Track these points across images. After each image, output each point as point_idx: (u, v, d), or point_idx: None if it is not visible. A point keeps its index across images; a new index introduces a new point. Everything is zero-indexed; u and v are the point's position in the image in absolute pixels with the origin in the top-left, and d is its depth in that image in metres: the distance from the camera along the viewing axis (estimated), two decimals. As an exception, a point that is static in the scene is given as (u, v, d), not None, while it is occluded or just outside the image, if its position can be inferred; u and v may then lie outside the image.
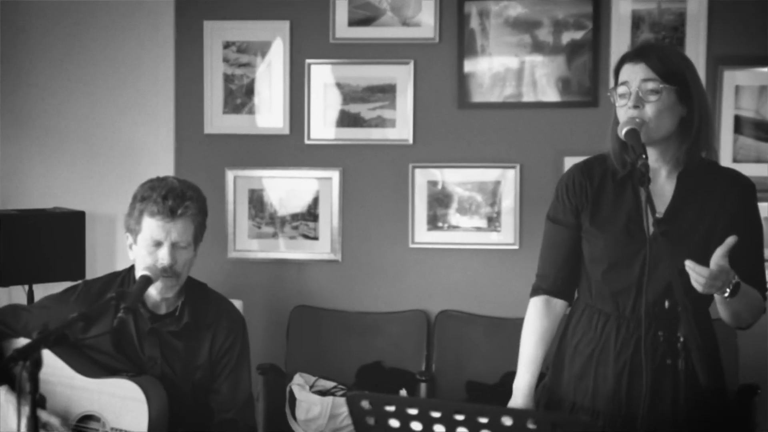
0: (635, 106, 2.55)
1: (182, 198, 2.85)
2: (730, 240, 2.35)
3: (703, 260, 2.34)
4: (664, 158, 2.63)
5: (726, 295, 2.39)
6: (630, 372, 2.60)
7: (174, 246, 2.84)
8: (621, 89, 2.60)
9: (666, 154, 2.63)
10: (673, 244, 2.46)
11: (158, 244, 2.84)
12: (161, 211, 2.82)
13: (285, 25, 5.00)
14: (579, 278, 2.78)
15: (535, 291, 2.84)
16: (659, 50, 2.64)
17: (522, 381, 2.76)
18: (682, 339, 2.13)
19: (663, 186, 2.64)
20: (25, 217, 4.71)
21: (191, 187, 2.92)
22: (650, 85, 2.56)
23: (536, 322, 2.80)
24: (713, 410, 2.60)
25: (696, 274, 2.31)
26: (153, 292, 2.87)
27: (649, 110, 2.55)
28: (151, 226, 2.83)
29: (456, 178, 4.97)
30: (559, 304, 2.81)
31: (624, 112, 2.58)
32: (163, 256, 2.83)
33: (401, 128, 4.97)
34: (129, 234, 2.91)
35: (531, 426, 1.90)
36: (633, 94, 2.56)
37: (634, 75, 2.58)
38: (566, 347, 2.78)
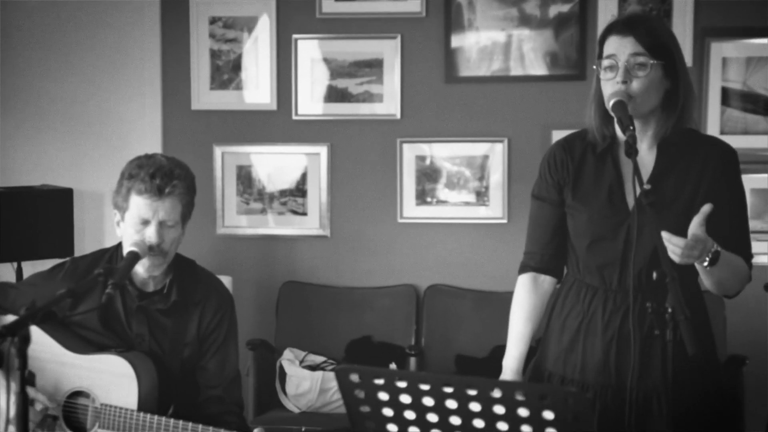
0: (623, 81, 2.54)
1: (170, 177, 2.84)
2: (706, 208, 2.36)
3: (687, 228, 2.35)
4: (645, 131, 2.62)
5: (705, 264, 2.40)
6: (618, 343, 2.60)
7: (161, 224, 2.83)
8: (607, 62, 2.58)
9: (648, 128, 2.62)
10: (656, 213, 2.47)
11: (145, 223, 2.82)
12: (149, 190, 2.80)
13: (271, 0, 4.98)
14: (566, 254, 2.79)
15: (523, 268, 2.83)
16: (647, 23, 2.61)
17: (511, 358, 2.77)
18: (669, 310, 2.13)
19: (644, 157, 2.63)
20: (13, 195, 4.69)
21: (179, 165, 2.91)
22: (639, 60, 2.54)
23: (524, 300, 2.80)
24: (704, 380, 2.61)
25: (672, 246, 2.31)
26: (140, 269, 2.86)
27: (637, 85, 2.53)
28: (139, 204, 2.82)
29: (444, 153, 4.96)
30: (547, 281, 2.81)
31: (611, 85, 2.56)
32: (151, 234, 2.82)
33: (389, 103, 4.97)
34: (117, 211, 2.90)
35: (520, 398, 1.90)
36: (621, 69, 2.54)
37: (622, 48, 2.55)
38: (554, 322, 2.78)
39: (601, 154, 2.68)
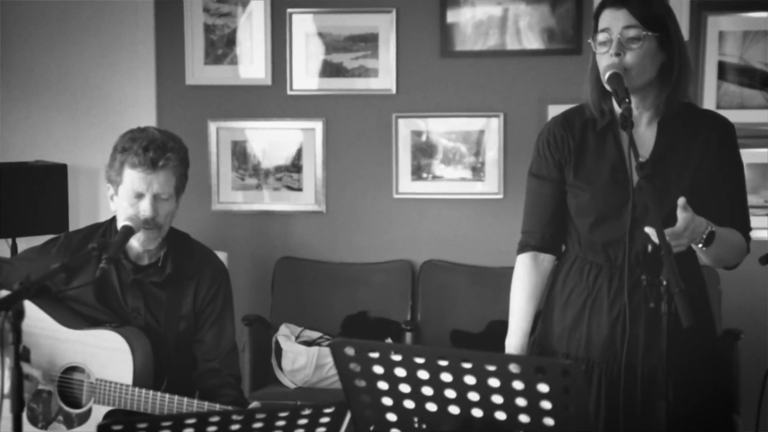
0: (617, 54, 2.53)
1: (163, 149, 2.83)
2: (681, 201, 2.35)
3: (692, 204, 2.35)
4: (644, 105, 2.62)
5: (700, 246, 2.41)
6: (625, 320, 2.60)
7: (155, 198, 2.82)
8: (602, 36, 2.57)
9: (646, 101, 2.61)
10: (661, 191, 2.47)
11: (140, 196, 2.82)
12: (142, 163, 2.79)
13: (266, -26, 4.95)
14: (565, 232, 2.78)
15: (523, 248, 2.81)
16: None
17: (515, 338, 2.76)
18: (664, 282, 2.13)
19: (644, 133, 2.63)
20: (7, 170, 4.68)
21: (172, 138, 2.90)
22: (632, 33, 2.53)
23: (525, 279, 2.78)
24: (701, 353, 2.62)
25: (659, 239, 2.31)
26: (135, 243, 2.86)
27: (631, 57, 2.53)
28: (132, 177, 2.81)
29: (440, 128, 4.95)
30: (547, 259, 2.80)
31: (606, 59, 2.55)
32: (145, 207, 2.81)
33: (384, 78, 4.95)
34: (110, 185, 2.89)
35: (514, 370, 1.90)
36: (614, 42, 2.54)
37: (616, 22, 2.55)
38: (556, 299, 2.77)
39: (601, 131, 2.67)
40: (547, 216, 2.77)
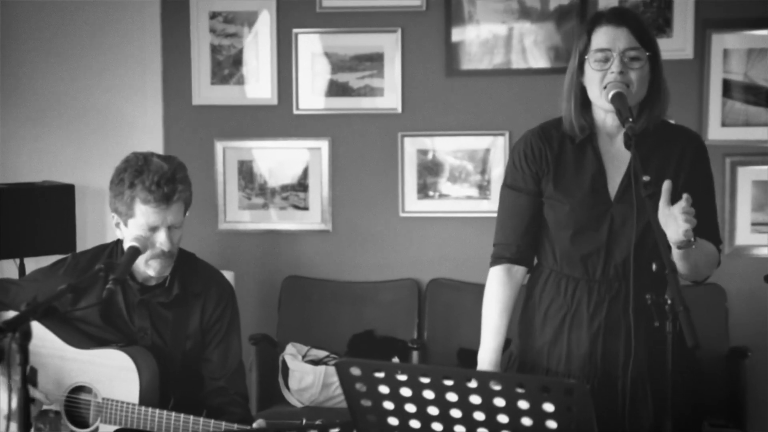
0: (621, 72, 2.56)
1: (174, 182, 2.83)
2: (668, 185, 2.39)
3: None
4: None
5: (693, 241, 2.40)
6: (605, 334, 2.63)
7: (170, 228, 2.84)
8: (600, 54, 2.59)
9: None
10: (636, 205, 2.52)
11: (154, 229, 2.83)
12: (157, 199, 2.79)
13: (272, -5, 4.98)
14: (538, 244, 2.78)
15: (497, 260, 2.82)
16: (636, 15, 2.67)
17: (489, 351, 2.75)
18: (669, 301, 2.14)
19: (619, 148, 2.65)
20: (15, 191, 4.70)
21: (179, 167, 2.88)
22: (634, 53, 2.58)
23: (500, 292, 2.78)
24: (680, 366, 2.63)
25: (685, 213, 2.32)
26: (149, 272, 2.87)
27: (633, 76, 2.57)
28: (146, 212, 2.81)
29: (446, 147, 4.96)
30: (520, 272, 2.80)
31: (607, 77, 2.57)
32: (162, 241, 2.82)
33: (390, 97, 4.96)
34: (116, 215, 2.89)
35: (520, 390, 1.91)
36: (617, 60, 2.57)
37: (617, 41, 2.58)
38: (533, 314, 2.77)
39: (580, 144, 2.69)
40: (522, 228, 2.77)
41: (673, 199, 2.45)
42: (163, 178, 2.81)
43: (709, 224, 2.66)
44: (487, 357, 2.74)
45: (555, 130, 2.75)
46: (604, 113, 2.66)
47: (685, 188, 2.52)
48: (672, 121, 2.78)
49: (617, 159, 2.65)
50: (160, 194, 2.79)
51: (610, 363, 2.62)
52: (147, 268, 2.84)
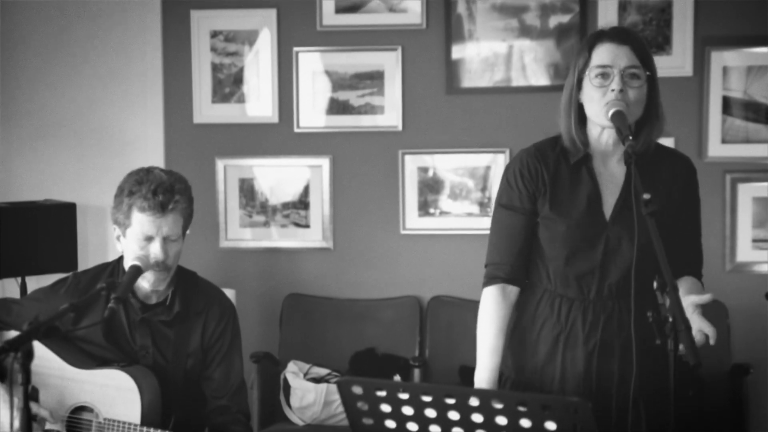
0: (621, 90, 2.56)
1: (171, 192, 2.84)
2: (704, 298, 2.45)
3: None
4: (618, 143, 2.63)
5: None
6: (600, 353, 2.64)
7: (165, 240, 2.84)
8: (600, 70, 2.60)
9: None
10: (629, 226, 2.53)
11: (149, 239, 2.83)
12: (152, 207, 2.81)
13: (272, 13, 4.99)
14: (531, 264, 2.78)
15: (492, 280, 2.79)
16: (636, 34, 2.68)
17: (486, 371, 2.73)
18: (670, 319, 2.14)
19: (613, 169, 2.66)
20: (16, 210, 4.70)
21: (179, 180, 2.91)
22: (634, 71, 2.59)
23: (495, 312, 2.76)
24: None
25: (711, 332, 2.41)
26: (144, 284, 2.87)
27: (633, 95, 2.58)
28: (142, 221, 2.82)
29: (446, 164, 4.97)
30: (514, 291, 2.78)
31: (608, 95, 2.58)
32: (156, 251, 2.82)
33: (390, 115, 4.97)
34: (117, 227, 2.90)
35: (522, 408, 1.91)
36: (617, 78, 2.57)
37: (618, 59, 2.59)
38: (527, 334, 2.77)
39: (576, 164, 2.70)
40: (517, 248, 2.77)
41: (666, 220, 2.46)
42: (160, 187, 2.83)
43: (693, 248, 2.70)
44: (485, 377, 2.73)
45: (551, 150, 2.75)
46: (600, 130, 2.66)
47: (677, 210, 2.57)
48: (664, 142, 2.79)
49: (611, 181, 2.67)
50: (155, 202, 2.80)
51: (605, 382, 2.63)
52: (142, 280, 2.84)
